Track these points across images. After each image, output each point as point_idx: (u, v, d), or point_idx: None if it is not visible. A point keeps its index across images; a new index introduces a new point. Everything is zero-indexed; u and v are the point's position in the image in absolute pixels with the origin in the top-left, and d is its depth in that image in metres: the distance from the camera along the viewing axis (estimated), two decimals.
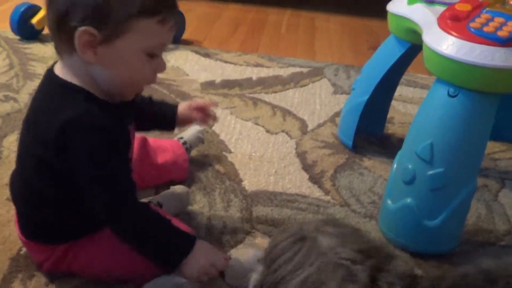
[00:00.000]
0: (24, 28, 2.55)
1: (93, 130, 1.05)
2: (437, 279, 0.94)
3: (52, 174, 1.11)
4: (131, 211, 1.11)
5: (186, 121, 1.47)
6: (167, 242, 1.13)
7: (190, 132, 1.71)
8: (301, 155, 1.80)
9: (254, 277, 1.01)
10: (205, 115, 1.48)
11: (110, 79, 1.09)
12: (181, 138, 1.67)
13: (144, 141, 1.51)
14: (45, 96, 1.12)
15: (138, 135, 1.48)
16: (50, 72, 1.12)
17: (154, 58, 1.10)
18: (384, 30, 1.76)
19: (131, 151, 1.23)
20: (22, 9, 2.52)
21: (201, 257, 1.13)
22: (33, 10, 2.55)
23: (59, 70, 1.11)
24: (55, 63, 1.14)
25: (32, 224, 1.21)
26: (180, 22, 2.69)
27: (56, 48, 1.10)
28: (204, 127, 1.73)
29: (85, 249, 1.19)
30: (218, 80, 2.36)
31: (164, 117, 1.44)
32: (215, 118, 1.51)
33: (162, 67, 1.13)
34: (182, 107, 1.45)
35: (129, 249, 1.15)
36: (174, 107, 1.44)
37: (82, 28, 1.01)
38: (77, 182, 1.09)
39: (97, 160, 1.06)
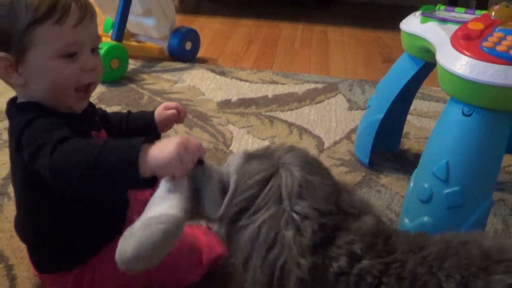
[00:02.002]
0: None
1: (33, 123, 1.04)
2: (416, 242, 0.94)
3: (39, 190, 1.11)
4: (63, 152, 0.98)
5: (165, 123, 1.37)
6: (112, 151, 0.96)
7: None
8: None
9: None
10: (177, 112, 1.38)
11: (43, 92, 1.10)
12: None
13: None
14: (9, 127, 1.13)
15: None
16: (9, 104, 1.15)
17: (75, 58, 1.09)
18: (397, 42, 1.77)
19: None
20: None
21: (166, 144, 0.95)
22: None
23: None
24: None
25: (40, 255, 1.23)
26: (195, 41, 2.74)
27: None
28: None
29: (99, 269, 1.20)
30: (234, 99, 2.38)
31: (146, 127, 1.35)
32: (185, 114, 1.39)
33: (87, 63, 1.11)
34: (158, 111, 1.36)
35: None
36: (151, 114, 1.36)
37: None
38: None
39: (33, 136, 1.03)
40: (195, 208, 0.99)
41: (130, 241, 0.89)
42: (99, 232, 1.19)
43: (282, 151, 0.99)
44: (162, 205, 0.92)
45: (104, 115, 1.33)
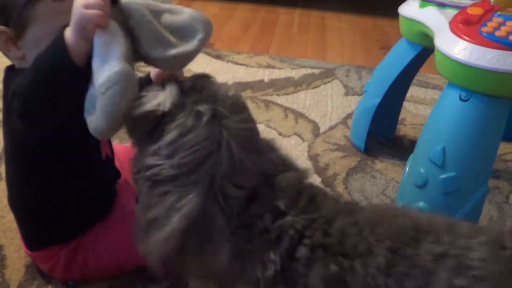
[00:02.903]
0: None
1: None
2: (346, 206, 0.95)
3: (30, 161, 1.13)
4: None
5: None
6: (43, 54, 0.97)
7: None
8: (313, 158, 1.81)
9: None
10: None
11: None
12: None
13: None
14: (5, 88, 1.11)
15: None
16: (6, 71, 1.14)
17: None
18: (395, 29, 1.76)
19: (104, 150, 1.24)
20: None
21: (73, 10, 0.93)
22: None
23: None
24: None
25: (32, 230, 1.23)
26: None
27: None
28: None
29: (92, 246, 1.21)
30: (230, 82, 2.37)
31: None
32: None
33: None
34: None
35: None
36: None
37: None
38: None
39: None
40: (134, 50, 0.97)
41: (99, 115, 0.89)
42: (89, 207, 1.20)
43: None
44: (105, 65, 0.89)
45: None
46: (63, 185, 1.16)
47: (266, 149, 0.97)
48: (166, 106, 0.89)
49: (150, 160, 0.89)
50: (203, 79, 0.97)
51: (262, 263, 0.87)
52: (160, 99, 0.90)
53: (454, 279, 0.81)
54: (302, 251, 0.87)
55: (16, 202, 1.22)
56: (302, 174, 0.96)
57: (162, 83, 0.95)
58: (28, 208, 1.20)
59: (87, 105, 0.91)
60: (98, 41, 0.91)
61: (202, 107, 0.89)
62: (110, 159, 1.28)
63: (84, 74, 0.92)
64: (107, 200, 1.26)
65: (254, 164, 0.90)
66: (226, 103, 0.91)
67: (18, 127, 1.03)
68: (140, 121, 0.91)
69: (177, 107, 0.90)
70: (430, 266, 0.83)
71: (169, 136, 0.88)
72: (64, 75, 0.95)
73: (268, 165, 0.94)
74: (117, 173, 1.30)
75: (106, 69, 0.88)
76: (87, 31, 0.91)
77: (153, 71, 1.32)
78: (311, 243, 0.87)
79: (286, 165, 0.96)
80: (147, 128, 0.91)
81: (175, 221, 0.86)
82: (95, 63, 0.90)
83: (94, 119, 0.89)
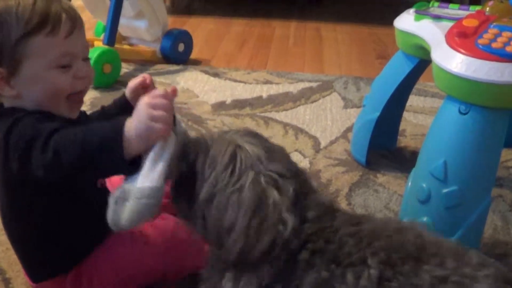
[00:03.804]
0: None
1: (22, 120, 1.03)
2: (357, 218, 0.99)
3: (28, 197, 1.12)
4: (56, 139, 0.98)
5: (136, 93, 1.28)
6: (96, 131, 0.98)
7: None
8: (315, 174, 1.80)
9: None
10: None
11: (37, 102, 1.09)
12: None
13: None
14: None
15: None
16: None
17: (69, 67, 1.09)
18: (391, 38, 1.76)
19: None
20: None
21: (138, 109, 0.97)
22: None
23: None
24: None
25: (33, 263, 1.22)
26: (187, 42, 2.73)
27: None
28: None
29: (96, 269, 1.20)
30: (228, 100, 2.37)
31: (121, 108, 1.30)
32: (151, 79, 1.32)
33: (80, 71, 1.10)
34: (127, 88, 1.31)
35: (137, 248, 1.19)
36: (123, 98, 1.32)
37: None
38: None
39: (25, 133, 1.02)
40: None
41: (124, 211, 0.95)
42: (88, 234, 1.19)
43: (229, 133, 1.02)
44: (150, 174, 0.95)
45: (88, 117, 1.31)
46: (59, 216, 1.15)
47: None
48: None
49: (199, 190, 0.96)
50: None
51: (270, 261, 0.92)
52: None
53: None
54: (303, 255, 0.91)
55: (14, 236, 1.21)
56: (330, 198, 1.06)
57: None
58: (26, 241, 1.19)
59: (118, 192, 0.96)
60: (154, 150, 0.96)
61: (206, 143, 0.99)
62: (104, 189, 1.28)
63: (127, 167, 0.97)
64: (105, 224, 1.26)
65: (279, 148, 1.01)
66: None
67: (21, 172, 1.03)
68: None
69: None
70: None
71: (199, 161, 0.97)
72: (111, 164, 0.98)
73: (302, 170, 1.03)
74: None
75: (150, 179, 0.95)
76: (151, 141, 0.96)
77: (127, 89, 1.31)
78: (313, 248, 0.91)
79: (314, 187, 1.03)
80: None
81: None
82: (144, 167, 0.96)
83: (118, 213, 0.96)
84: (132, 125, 0.95)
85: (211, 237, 0.98)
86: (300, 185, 0.97)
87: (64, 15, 1.07)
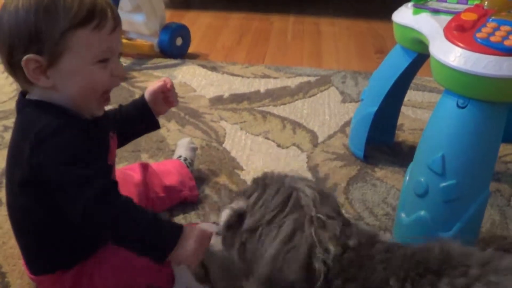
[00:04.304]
0: None
1: (60, 137, 1.05)
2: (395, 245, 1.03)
3: (37, 195, 1.11)
4: (108, 208, 1.04)
5: (156, 98, 1.39)
6: (153, 236, 1.05)
7: (182, 147, 1.73)
8: (313, 169, 1.80)
9: (227, 212, 1.10)
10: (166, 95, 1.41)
11: (71, 96, 1.09)
12: (180, 156, 1.69)
13: (146, 166, 1.53)
14: (19, 119, 1.13)
15: (139, 162, 1.53)
16: (21, 97, 1.14)
17: (107, 63, 1.10)
18: (390, 32, 1.75)
19: (111, 158, 1.24)
20: None
21: (189, 243, 1.06)
22: None
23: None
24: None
25: (35, 255, 1.22)
26: (185, 37, 2.72)
27: (21, 86, 1.13)
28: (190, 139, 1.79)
29: (98, 270, 1.21)
30: (226, 94, 2.37)
31: (139, 111, 1.39)
32: (171, 83, 1.40)
33: (118, 69, 1.12)
34: (146, 91, 1.40)
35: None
36: (141, 96, 1.40)
37: (25, 57, 1.03)
38: (55, 196, 1.07)
39: (67, 163, 1.04)
40: None
41: None
42: (92, 235, 1.19)
43: (283, 177, 1.09)
44: None
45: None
46: (63, 216, 1.14)
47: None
48: (240, 204, 1.08)
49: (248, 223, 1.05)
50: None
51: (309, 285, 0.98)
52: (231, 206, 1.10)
53: None
54: (336, 282, 0.97)
55: (17, 226, 1.21)
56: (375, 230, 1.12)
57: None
58: (29, 233, 1.19)
59: None
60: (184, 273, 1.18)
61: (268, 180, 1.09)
62: (113, 166, 1.29)
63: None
64: None
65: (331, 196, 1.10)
66: None
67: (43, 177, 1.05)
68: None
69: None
70: None
71: (254, 196, 1.07)
72: (147, 254, 1.08)
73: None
74: None
75: None
76: (183, 263, 1.09)
77: (147, 92, 1.34)
78: (346, 276, 0.97)
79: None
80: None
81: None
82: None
83: None
84: (183, 247, 1.05)
85: (242, 265, 1.06)
86: (344, 218, 1.06)
87: (109, 11, 1.08)
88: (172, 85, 1.37)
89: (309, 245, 0.98)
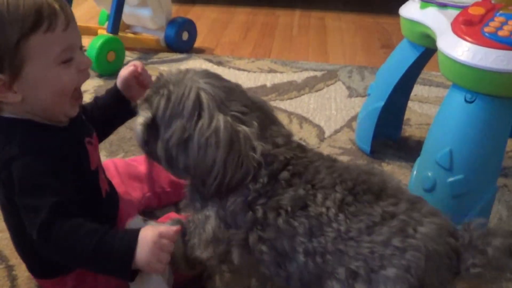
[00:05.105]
0: None
1: (16, 164, 1.03)
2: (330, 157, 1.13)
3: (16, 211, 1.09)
4: (49, 242, 1.01)
5: (128, 83, 1.33)
6: (105, 258, 1.02)
7: None
8: None
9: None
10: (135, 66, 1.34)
11: (43, 105, 1.08)
12: None
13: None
14: None
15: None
16: None
17: (71, 60, 1.07)
18: (396, 27, 1.75)
19: (92, 163, 1.19)
20: None
21: (145, 251, 1.01)
22: None
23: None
24: None
25: (36, 264, 1.21)
26: (191, 31, 2.71)
27: None
28: None
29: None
30: None
31: (113, 99, 1.34)
32: (143, 67, 1.34)
33: (83, 63, 1.09)
34: (120, 82, 1.34)
35: None
36: (115, 88, 1.35)
37: None
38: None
39: (21, 192, 1.03)
40: None
41: None
42: None
43: (188, 74, 1.10)
44: None
45: (84, 108, 1.29)
46: None
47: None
48: (148, 114, 1.08)
49: (167, 135, 1.06)
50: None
51: (255, 178, 1.04)
52: (139, 118, 1.10)
53: (393, 238, 0.95)
54: (284, 174, 1.04)
55: (18, 239, 1.20)
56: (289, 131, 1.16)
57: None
58: (28, 245, 1.16)
59: None
60: (155, 278, 1.10)
61: (165, 87, 1.08)
62: (109, 193, 1.27)
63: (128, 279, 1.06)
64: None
65: (236, 86, 1.12)
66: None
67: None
68: (147, 143, 1.12)
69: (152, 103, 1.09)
70: (377, 218, 0.97)
71: (160, 115, 1.07)
72: (114, 271, 1.06)
73: (251, 95, 1.14)
74: (117, 202, 1.30)
75: None
76: (158, 271, 1.05)
77: (118, 79, 1.31)
78: (293, 170, 1.04)
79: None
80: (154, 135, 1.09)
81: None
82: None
83: None
84: (139, 257, 1.00)
85: (188, 175, 1.11)
86: (264, 116, 1.10)
87: (57, 7, 1.03)
88: (143, 68, 1.32)
89: (250, 144, 1.04)
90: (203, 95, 1.05)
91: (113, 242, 1.01)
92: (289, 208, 1.02)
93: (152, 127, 1.09)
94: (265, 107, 1.15)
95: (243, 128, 1.04)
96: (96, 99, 1.36)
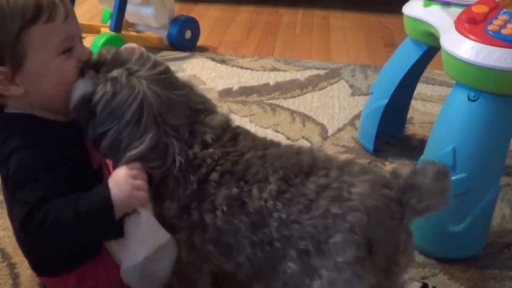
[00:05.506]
0: None
1: (21, 153, 1.03)
2: (262, 144, 1.11)
3: None
4: (37, 223, 0.98)
5: None
6: (90, 219, 1.01)
7: None
8: None
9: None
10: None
11: (45, 97, 1.08)
12: None
13: None
14: None
15: None
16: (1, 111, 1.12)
17: (71, 51, 1.07)
18: (399, 26, 1.75)
19: (93, 161, 1.19)
20: None
21: (120, 186, 1.01)
22: None
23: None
24: None
25: (35, 260, 1.21)
26: (194, 29, 2.71)
27: None
28: None
29: (103, 267, 1.20)
30: (235, 87, 2.36)
31: None
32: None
33: (83, 54, 1.10)
34: None
35: None
36: None
37: None
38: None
39: (18, 181, 1.02)
40: None
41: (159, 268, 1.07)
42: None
43: (138, 73, 1.08)
44: (158, 233, 1.07)
45: None
46: None
47: (187, 86, 1.14)
48: (88, 90, 1.06)
49: (100, 130, 1.06)
50: (108, 53, 1.11)
51: (184, 183, 1.06)
52: (80, 88, 1.07)
53: (330, 207, 0.97)
54: (214, 176, 1.05)
55: (19, 237, 1.19)
56: (227, 116, 1.15)
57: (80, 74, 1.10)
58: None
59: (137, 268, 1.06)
60: (144, 214, 1.05)
61: (115, 73, 1.05)
62: (101, 169, 1.25)
63: (117, 233, 1.05)
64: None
65: (179, 97, 1.09)
66: (132, 61, 1.08)
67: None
68: (79, 112, 1.08)
69: (96, 86, 1.06)
70: (312, 195, 0.99)
71: (99, 107, 1.05)
72: (103, 234, 1.07)
73: (194, 99, 1.12)
74: None
75: (159, 236, 1.06)
76: (132, 208, 1.03)
77: None
78: (222, 170, 1.05)
79: (211, 104, 1.17)
80: (87, 114, 1.07)
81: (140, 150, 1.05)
82: (140, 232, 1.05)
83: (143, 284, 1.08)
84: (117, 196, 1.00)
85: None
86: (199, 112, 1.10)
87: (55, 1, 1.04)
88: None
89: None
90: (146, 105, 1.04)
91: (88, 200, 1.01)
92: (224, 208, 1.04)
93: (87, 103, 1.06)
94: (203, 102, 1.14)
95: (173, 142, 1.06)
96: None
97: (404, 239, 1.03)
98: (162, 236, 1.06)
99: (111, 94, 1.04)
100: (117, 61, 1.08)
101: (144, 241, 1.04)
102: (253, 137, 1.14)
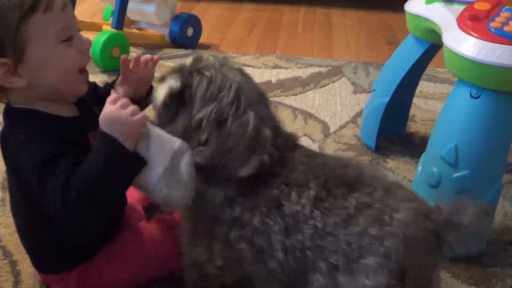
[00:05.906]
0: None
1: (30, 147, 1.03)
2: (314, 153, 1.16)
3: (27, 201, 1.10)
4: (74, 187, 0.98)
5: (139, 84, 1.33)
6: (112, 165, 1.01)
7: None
8: None
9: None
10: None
11: (50, 86, 1.08)
12: None
13: None
14: (4, 127, 1.10)
15: None
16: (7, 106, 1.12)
17: (71, 40, 1.08)
18: (401, 24, 1.75)
19: None
20: None
21: (116, 121, 1.01)
22: None
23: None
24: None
25: (37, 257, 1.21)
26: (196, 27, 2.71)
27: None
28: None
29: (106, 266, 1.20)
30: None
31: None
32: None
33: (84, 43, 1.10)
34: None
35: (149, 244, 1.21)
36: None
37: None
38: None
39: (36, 167, 1.01)
40: None
41: (179, 186, 1.04)
42: (98, 233, 1.18)
43: (227, 67, 1.10)
44: (166, 146, 1.04)
45: (94, 88, 1.29)
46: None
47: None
48: (176, 85, 1.08)
49: (199, 114, 1.06)
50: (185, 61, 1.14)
51: (237, 181, 1.06)
52: (166, 86, 1.10)
53: (369, 227, 0.96)
54: (262, 177, 1.05)
55: (25, 231, 1.20)
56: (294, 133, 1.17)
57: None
58: (34, 237, 1.18)
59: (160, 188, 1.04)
60: (152, 132, 1.05)
61: (208, 63, 1.09)
62: None
63: (141, 162, 1.03)
64: (116, 224, 1.25)
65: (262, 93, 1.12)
66: (212, 60, 1.11)
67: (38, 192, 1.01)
68: (167, 107, 1.10)
69: (187, 78, 1.08)
70: (352, 210, 0.98)
71: (199, 93, 1.06)
72: (127, 167, 1.03)
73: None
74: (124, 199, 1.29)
75: (169, 146, 1.04)
76: (138, 133, 1.02)
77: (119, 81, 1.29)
78: (270, 171, 1.05)
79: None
80: (176, 106, 1.09)
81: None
82: (152, 150, 1.04)
83: (173, 194, 1.04)
84: (120, 131, 1.00)
85: (209, 154, 1.07)
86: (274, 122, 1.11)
87: None
88: (134, 65, 1.32)
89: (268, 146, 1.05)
90: (242, 91, 1.05)
91: (98, 154, 1.01)
92: (264, 209, 1.04)
93: (176, 98, 1.09)
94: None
95: (265, 130, 1.05)
96: (107, 85, 1.36)
97: (437, 273, 1.03)
98: (173, 141, 1.04)
99: (208, 79, 1.06)
100: (198, 62, 1.10)
101: (158, 152, 1.04)
102: (306, 148, 1.15)
